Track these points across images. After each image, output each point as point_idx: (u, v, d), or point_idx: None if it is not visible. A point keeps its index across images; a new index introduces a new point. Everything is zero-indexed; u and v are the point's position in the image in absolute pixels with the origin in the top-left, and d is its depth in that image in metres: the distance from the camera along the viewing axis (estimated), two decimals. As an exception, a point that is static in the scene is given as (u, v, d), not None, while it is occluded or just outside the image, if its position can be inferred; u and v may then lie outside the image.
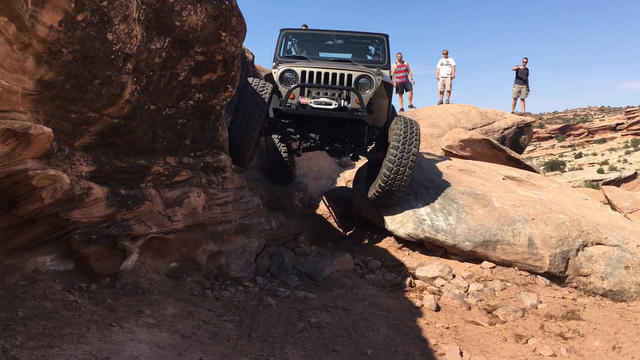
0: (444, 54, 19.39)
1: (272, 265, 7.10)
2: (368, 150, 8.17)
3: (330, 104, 7.00)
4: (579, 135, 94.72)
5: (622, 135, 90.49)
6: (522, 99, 19.72)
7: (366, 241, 8.39)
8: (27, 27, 3.17)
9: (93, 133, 4.59)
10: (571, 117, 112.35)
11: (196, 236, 6.15)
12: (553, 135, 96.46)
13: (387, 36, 8.68)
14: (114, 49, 3.93)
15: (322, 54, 8.92)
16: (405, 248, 7.75)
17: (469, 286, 6.58)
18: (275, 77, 7.38)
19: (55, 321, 3.90)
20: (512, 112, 19.26)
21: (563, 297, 6.39)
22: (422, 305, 5.84)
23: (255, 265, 7.05)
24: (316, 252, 7.81)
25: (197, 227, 6.16)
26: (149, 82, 4.78)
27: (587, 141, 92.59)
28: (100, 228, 4.99)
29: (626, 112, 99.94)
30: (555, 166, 65.62)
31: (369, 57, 8.83)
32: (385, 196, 7.44)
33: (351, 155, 8.94)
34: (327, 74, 7.16)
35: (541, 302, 6.15)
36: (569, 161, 77.24)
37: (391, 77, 9.59)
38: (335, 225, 9.61)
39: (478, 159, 12.95)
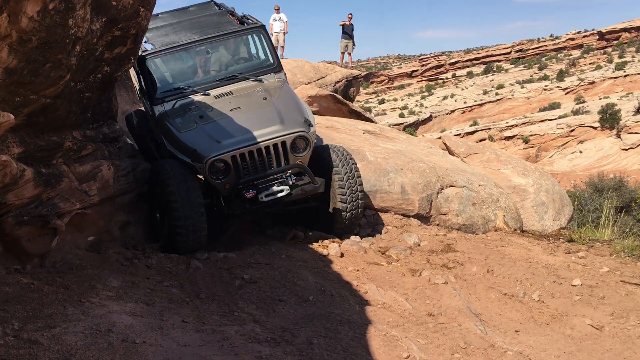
0: (275, 9, 19.83)
1: (172, 230, 7.32)
2: None
3: (282, 191, 6.42)
4: (380, 82, 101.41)
5: (417, 81, 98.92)
6: (349, 53, 21.08)
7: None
8: (17, 20, 3.19)
9: (24, 114, 4.53)
10: (373, 65, 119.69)
11: (109, 209, 6.23)
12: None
13: (263, 27, 7.83)
14: (70, 33, 3.96)
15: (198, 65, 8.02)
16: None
17: (357, 232, 7.46)
18: (203, 172, 6.45)
19: (29, 304, 3.97)
20: (341, 66, 20.54)
21: (436, 234, 7.55)
22: (329, 253, 6.57)
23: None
24: (206, 213, 8.13)
25: (108, 200, 6.22)
26: (80, 61, 4.78)
27: (388, 87, 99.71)
28: (30, 209, 4.95)
29: (420, 59, 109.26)
30: (363, 112, 69.83)
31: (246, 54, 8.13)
32: (352, 224, 7.28)
33: None
34: (260, 150, 6.39)
35: (422, 241, 7.23)
36: (374, 107, 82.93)
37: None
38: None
39: (324, 113, 13.87)
